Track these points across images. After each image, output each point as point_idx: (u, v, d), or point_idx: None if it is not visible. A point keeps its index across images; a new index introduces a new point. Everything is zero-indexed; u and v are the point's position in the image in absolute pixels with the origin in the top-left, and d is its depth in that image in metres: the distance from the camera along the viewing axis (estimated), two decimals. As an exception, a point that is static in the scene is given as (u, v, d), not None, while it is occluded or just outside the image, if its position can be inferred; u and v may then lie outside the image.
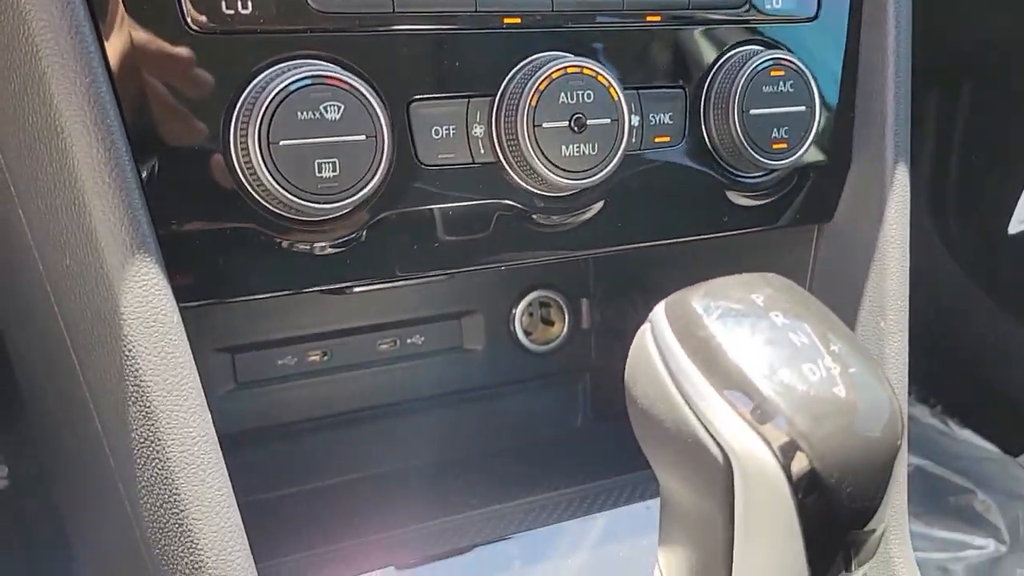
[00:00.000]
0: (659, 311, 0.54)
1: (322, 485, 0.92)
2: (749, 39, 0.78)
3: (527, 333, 1.08)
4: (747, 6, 0.77)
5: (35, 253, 0.62)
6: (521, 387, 1.07)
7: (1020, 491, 1.69)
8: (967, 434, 2.00)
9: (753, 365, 0.49)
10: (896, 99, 0.83)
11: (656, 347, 0.53)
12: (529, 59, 0.69)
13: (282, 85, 0.60)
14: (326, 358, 0.97)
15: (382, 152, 0.63)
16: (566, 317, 1.09)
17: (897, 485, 0.83)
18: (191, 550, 0.59)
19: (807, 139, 0.78)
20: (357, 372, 0.99)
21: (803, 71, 0.77)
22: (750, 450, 0.48)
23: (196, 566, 0.59)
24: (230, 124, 0.60)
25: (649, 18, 0.74)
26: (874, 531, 0.50)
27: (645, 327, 0.55)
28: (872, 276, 0.83)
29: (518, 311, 1.06)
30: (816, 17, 0.81)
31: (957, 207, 2.32)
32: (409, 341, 1.01)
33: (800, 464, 0.47)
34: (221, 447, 0.63)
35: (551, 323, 1.09)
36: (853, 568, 0.50)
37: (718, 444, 0.49)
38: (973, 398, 2.36)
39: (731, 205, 0.81)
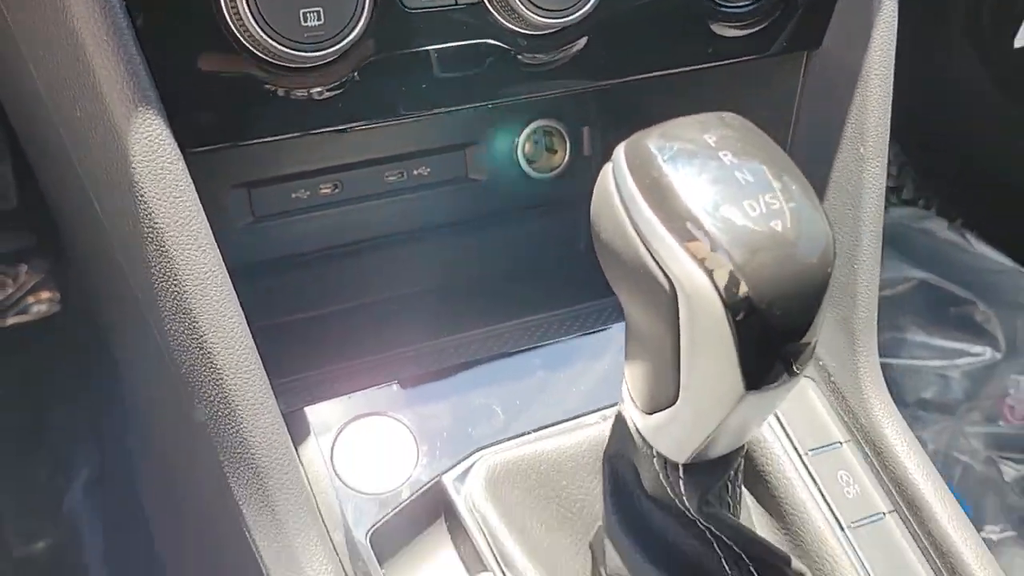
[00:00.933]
0: (619, 151, 0.59)
1: (335, 309, 1.00)
2: None
3: (530, 161, 1.12)
4: None
5: (46, 102, 0.67)
6: (525, 213, 1.12)
7: (1022, 302, 1.74)
8: (983, 247, 2.03)
9: (698, 202, 0.54)
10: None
11: (615, 185, 0.58)
12: None
13: (263, -64, 0.62)
14: (337, 190, 1.03)
15: (364, 1, 0.65)
16: (568, 145, 1.12)
17: (862, 301, 0.88)
18: (211, 369, 0.67)
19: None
20: (367, 203, 1.05)
21: None
22: (691, 279, 0.53)
23: (216, 383, 0.67)
24: (216, -26, 0.64)
25: None
26: (808, 343, 0.56)
27: (608, 166, 0.59)
28: (855, 104, 0.86)
29: (520, 140, 1.09)
30: None
31: (993, 20, 2.25)
32: (416, 172, 1.05)
33: (734, 291, 0.52)
34: (241, 276, 0.70)
35: (554, 151, 1.13)
36: (795, 370, 0.57)
37: (665, 274, 0.55)
38: (995, 211, 2.38)
39: (717, 36, 0.82)
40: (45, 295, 1.91)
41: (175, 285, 0.66)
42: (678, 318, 0.55)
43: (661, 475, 0.65)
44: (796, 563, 0.69)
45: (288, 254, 1.03)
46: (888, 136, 0.87)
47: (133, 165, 0.63)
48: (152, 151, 0.63)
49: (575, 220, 1.18)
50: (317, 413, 0.80)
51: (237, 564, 0.76)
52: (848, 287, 0.88)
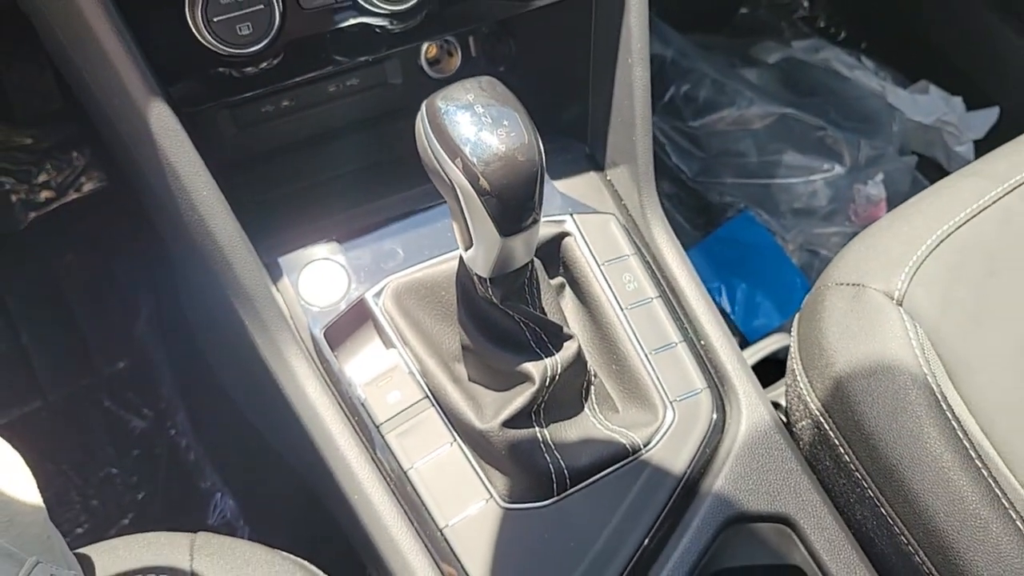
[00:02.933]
0: (423, 105, 1.01)
1: (297, 187, 1.44)
2: None
3: (432, 64, 1.53)
4: None
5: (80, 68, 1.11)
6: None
7: (870, 127, 2.13)
8: (860, 75, 2.38)
9: (461, 136, 0.97)
10: None
11: (422, 126, 1.01)
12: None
13: (208, -14, 1.04)
14: (293, 102, 1.46)
15: (276, 12, 1.08)
16: (459, 51, 1.53)
17: (641, 161, 1.31)
18: (212, 242, 1.13)
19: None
20: (315, 109, 1.48)
21: None
22: (460, 181, 0.97)
23: (218, 249, 1.13)
24: (185, 11, 1.06)
25: None
26: (532, 208, 1.00)
27: (420, 111, 1.02)
28: (623, 28, 1.26)
29: (422, 52, 1.51)
30: None
31: None
32: (348, 84, 1.47)
33: (482, 186, 0.96)
34: (232, 168, 1.12)
35: (451, 56, 1.54)
36: (528, 225, 1.01)
37: (449, 179, 0.99)
38: (889, 32, 2.67)
39: (521, -8, 1.22)
40: (94, 174, 2.37)
41: (176, 184, 1.11)
42: (460, 201, 1.00)
43: (479, 284, 1.12)
44: (567, 329, 1.17)
45: (263, 150, 1.48)
46: (648, 47, 1.27)
47: (150, 122, 1.08)
48: (158, 116, 1.08)
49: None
50: (287, 260, 1.27)
51: (251, 359, 1.25)
52: (630, 153, 1.32)
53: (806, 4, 2.87)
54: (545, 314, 1.17)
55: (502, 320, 1.13)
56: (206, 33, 1.05)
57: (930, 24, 2.63)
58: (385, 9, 1.13)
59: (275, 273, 1.24)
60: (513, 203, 0.97)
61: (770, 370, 1.85)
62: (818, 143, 2.11)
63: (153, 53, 1.08)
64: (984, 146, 2.47)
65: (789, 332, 1.91)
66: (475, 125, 0.95)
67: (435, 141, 0.97)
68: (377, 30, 1.17)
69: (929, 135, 2.37)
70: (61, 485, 1.99)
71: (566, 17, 1.30)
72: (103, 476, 2.04)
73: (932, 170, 2.42)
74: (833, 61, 2.48)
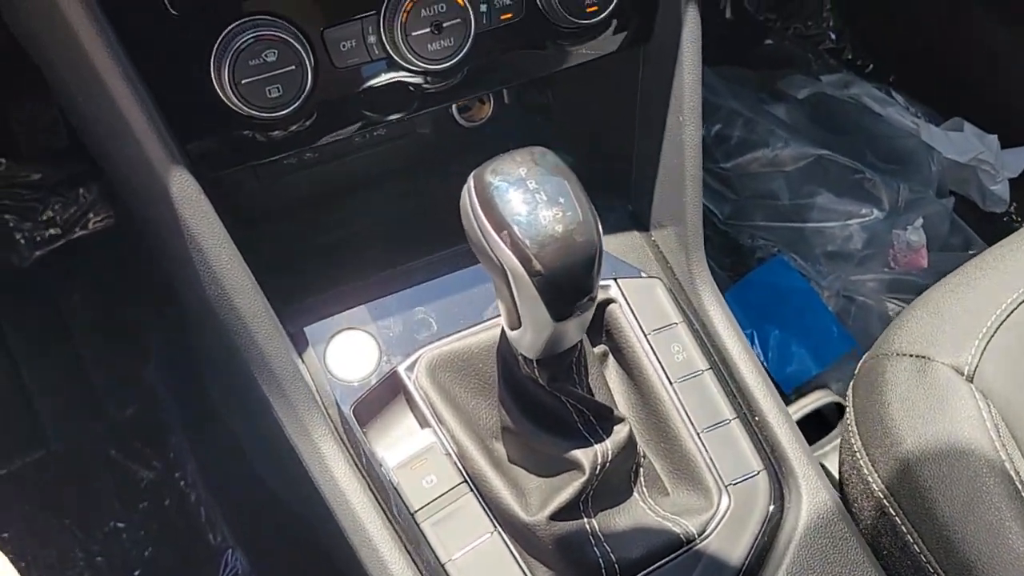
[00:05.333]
0: (471, 178, 0.93)
1: (321, 243, 1.36)
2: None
3: (462, 111, 1.45)
4: None
5: (113, 157, 1.03)
6: (461, 155, 1.47)
7: (907, 168, 2.06)
8: (893, 113, 2.30)
9: (513, 215, 0.89)
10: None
11: (468, 201, 0.93)
12: (400, -18, 1.02)
13: (236, 46, 0.96)
14: (317, 154, 1.38)
15: (308, 73, 0.99)
16: (491, 98, 1.45)
17: (690, 221, 1.23)
18: (231, 310, 1.04)
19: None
20: (341, 160, 1.40)
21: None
22: (511, 263, 0.89)
23: (238, 319, 1.05)
24: (210, 71, 0.98)
25: (489, -73, 1.04)
26: (589, 292, 0.92)
27: (465, 187, 0.94)
28: (675, 84, 1.18)
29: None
30: None
31: None
32: (375, 133, 1.40)
33: (534, 268, 0.88)
34: (252, 222, 1.03)
35: (483, 103, 1.46)
36: (582, 310, 0.93)
37: (498, 259, 0.90)
38: (921, 68, 2.61)
39: (568, 48, 1.14)
40: (101, 211, 2.30)
41: (202, 266, 1.03)
42: (509, 283, 0.92)
43: (524, 365, 1.03)
44: (617, 412, 1.09)
45: (285, 204, 1.39)
46: (700, 104, 1.19)
47: (172, 195, 0.99)
48: (180, 185, 0.99)
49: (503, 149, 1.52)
50: (313, 330, 1.19)
51: (271, 425, 1.17)
52: (678, 214, 1.23)
53: (832, 36, 2.81)
54: (592, 394, 1.08)
55: (549, 402, 1.05)
56: (233, 96, 0.97)
57: (960, 58, 2.56)
58: (423, 67, 1.05)
59: (300, 344, 1.16)
60: (569, 287, 0.89)
61: (809, 423, 1.77)
62: (855, 186, 2.03)
63: (173, 114, 1.00)
64: (1020, 184, 2.40)
65: (830, 387, 1.83)
66: (528, 203, 0.87)
67: (483, 217, 0.89)
68: (412, 87, 1.09)
69: (964, 173, 2.30)
70: (64, 542, 1.90)
71: (610, 68, 1.22)
72: (109, 530, 1.95)
73: (967, 209, 2.34)
74: (863, 96, 2.41)
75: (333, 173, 1.40)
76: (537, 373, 1.02)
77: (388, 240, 1.34)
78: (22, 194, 2.27)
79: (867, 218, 1.99)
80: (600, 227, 0.90)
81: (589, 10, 1.09)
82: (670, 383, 1.19)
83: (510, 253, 0.88)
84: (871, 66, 2.75)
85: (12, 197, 2.25)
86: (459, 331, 1.19)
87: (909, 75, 2.64)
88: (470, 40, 1.05)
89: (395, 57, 1.05)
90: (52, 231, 2.28)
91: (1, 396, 2.09)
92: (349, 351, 1.18)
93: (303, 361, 1.15)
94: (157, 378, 2.10)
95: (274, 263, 1.17)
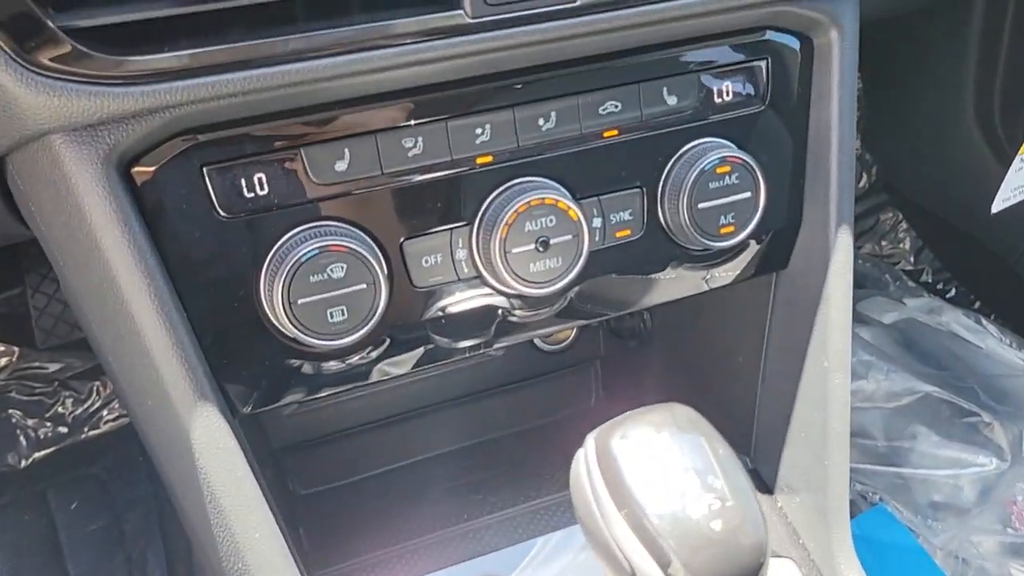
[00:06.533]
0: (590, 442, 0.71)
1: (363, 483, 1.12)
2: (700, 133, 0.89)
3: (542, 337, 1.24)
4: (698, 106, 0.88)
5: (122, 384, 0.81)
6: (537, 381, 1.25)
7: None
8: (994, 344, 2.09)
9: (652, 501, 0.65)
10: (840, 165, 0.93)
11: (587, 474, 0.70)
12: (501, 189, 0.83)
13: (296, 257, 0.75)
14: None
15: (380, 294, 0.79)
16: (576, 320, 1.25)
17: (833, 492, 0.99)
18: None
19: (752, 220, 0.90)
20: (400, 380, 1.18)
21: (748, 163, 0.88)
22: (644, 567, 0.65)
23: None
24: (259, 288, 0.77)
25: (607, 135, 0.86)
26: None
27: (580, 452, 0.71)
28: (818, 322, 0.96)
29: (532, 320, 1.22)
30: (766, 104, 0.91)
31: (1002, 113, 2.32)
32: (440, 355, 1.18)
33: None
34: (287, 453, 0.81)
35: (565, 324, 1.25)
36: None
37: (627, 559, 0.66)
38: (1009, 297, 2.43)
39: (692, 273, 0.94)
40: (116, 410, 2.09)
41: (223, 533, 0.79)
42: (637, 590, 0.67)
43: None
44: None
45: (321, 433, 1.16)
46: (849, 349, 0.98)
47: (195, 446, 0.77)
48: (209, 435, 0.77)
49: (584, 382, 1.30)
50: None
51: None
52: (817, 481, 0.99)
53: (911, 258, 2.66)
54: None
55: None
56: (286, 318, 0.76)
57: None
58: (522, 290, 0.84)
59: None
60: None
61: None
62: (967, 429, 1.78)
63: (207, 337, 0.78)
64: None
65: None
66: (673, 485, 0.64)
67: (606, 500, 0.66)
68: (502, 314, 0.88)
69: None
70: None
71: (731, 294, 1.02)
72: None
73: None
74: (953, 324, 2.20)
75: (379, 399, 1.18)
76: None
77: (443, 485, 1.11)
78: (32, 387, 2.09)
79: (985, 467, 1.73)
80: (766, 523, 0.66)
81: (723, 231, 0.89)
82: None
83: (644, 552, 0.64)
84: (953, 290, 2.58)
85: (21, 389, 2.07)
86: (539, 621, 0.92)
87: (994, 300, 2.46)
88: (581, 260, 0.84)
89: (488, 277, 0.84)
90: (60, 429, 2.08)
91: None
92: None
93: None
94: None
95: (302, 499, 0.92)
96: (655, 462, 0.67)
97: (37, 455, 2.00)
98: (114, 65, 0.65)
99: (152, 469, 1.85)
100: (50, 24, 0.63)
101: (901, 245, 2.70)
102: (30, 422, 2.01)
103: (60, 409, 2.04)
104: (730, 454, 0.69)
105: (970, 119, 2.37)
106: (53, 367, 2.08)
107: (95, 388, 2.07)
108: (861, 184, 2.65)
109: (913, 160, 2.58)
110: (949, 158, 2.45)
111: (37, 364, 2.07)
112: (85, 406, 2.06)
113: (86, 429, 2.04)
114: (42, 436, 2.04)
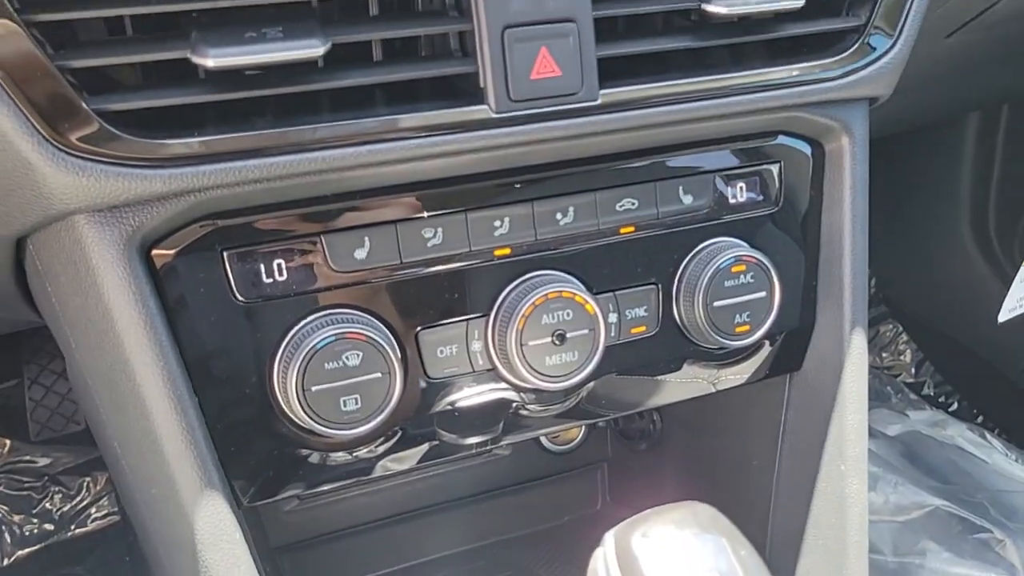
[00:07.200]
0: (610, 539, 0.69)
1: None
2: (715, 232, 0.90)
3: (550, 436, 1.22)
4: (713, 205, 0.89)
5: (127, 471, 0.79)
6: (544, 481, 1.22)
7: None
8: (1000, 459, 2.07)
9: None
10: (853, 269, 0.93)
11: (606, 573, 0.67)
12: (518, 281, 0.83)
13: (312, 344, 0.75)
14: (371, 473, 1.13)
15: (395, 384, 0.78)
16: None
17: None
18: None
19: (767, 320, 0.90)
20: (404, 477, 1.16)
21: (763, 262, 0.88)
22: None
23: None
24: (272, 374, 0.76)
25: (623, 231, 0.86)
26: None
27: (599, 551, 0.69)
28: (834, 424, 0.95)
29: (539, 420, 1.20)
30: (779, 206, 0.92)
31: (998, 229, 2.36)
32: (444, 452, 1.16)
33: None
34: (285, 552, 0.78)
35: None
36: None
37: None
38: (1016, 410, 2.42)
39: (705, 372, 0.93)
40: (105, 507, 2.04)
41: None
42: None
43: None
44: None
45: (325, 530, 1.13)
46: (866, 454, 0.96)
47: (197, 541, 0.74)
48: (214, 528, 0.75)
49: (591, 485, 1.27)
50: None
51: None
52: (837, 589, 0.96)
53: (913, 370, 2.66)
54: None
55: None
56: (299, 405, 0.75)
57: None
58: (537, 384, 0.83)
59: None
60: None
61: None
62: (980, 547, 1.74)
63: (218, 428, 0.77)
64: None
65: None
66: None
67: None
68: (514, 408, 0.87)
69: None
70: None
71: (741, 395, 1.01)
72: None
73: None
74: (957, 438, 2.19)
75: (384, 497, 1.15)
76: None
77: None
78: (21, 481, 2.05)
79: (998, 586, 1.68)
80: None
81: (739, 330, 0.89)
82: None
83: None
84: (955, 403, 2.57)
85: (10, 484, 2.03)
86: None
87: (997, 414, 2.45)
88: (597, 355, 0.84)
89: (503, 370, 0.84)
90: (46, 526, 2.03)
91: None
92: None
93: None
94: None
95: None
96: (678, 562, 0.65)
97: (21, 553, 1.94)
98: (145, 148, 0.66)
99: (138, 570, 1.80)
100: (84, 106, 0.64)
101: (902, 357, 2.70)
102: (16, 518, 1.96)
103: (48, 505, 2.00)
104: (752, 555, 0.67)
105: (966, 234, 2.41)
106: (44, 461, 2.04)
107: (85, 484, 2.02)
108: (861, 295, 2.66)
109: (911, 273, 2.61)
110: (946, 272, 2.48)
111: (28, 457, 2.04)
112: (73, 503, 2.01)
113: (73, 527, 1.99)
114: (27, 533, 1.99)
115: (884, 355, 2.71)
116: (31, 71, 0.63)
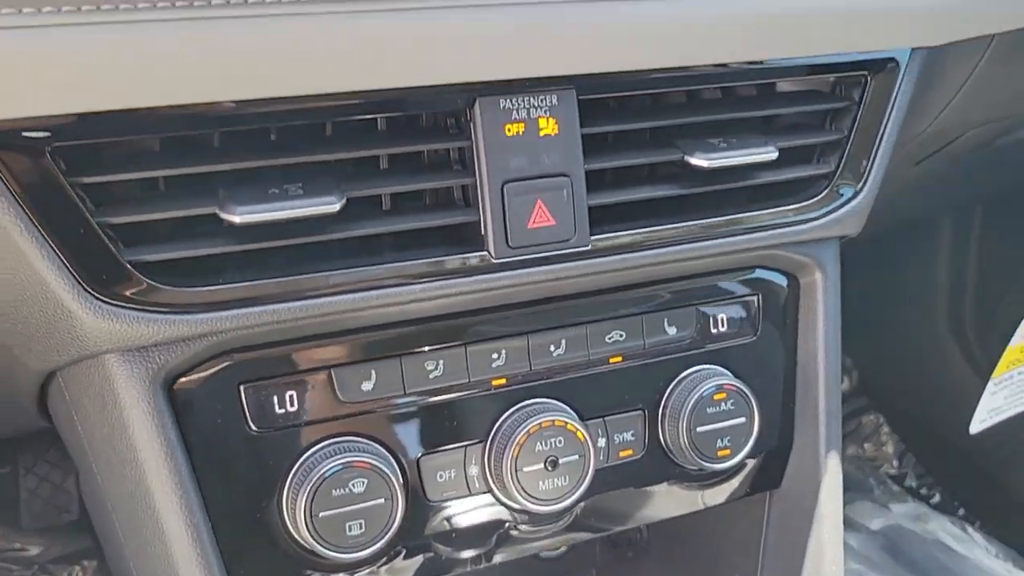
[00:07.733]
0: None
1: None
2: (698, 361, 0.96)
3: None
4: (695, 335, 0.95)
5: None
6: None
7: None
8: (980, 555, 2.11)
9: None
10: (827, 392, 1.00)
11: None
12: (512, 410, 0.89)
13: (320, 472, 0.80)
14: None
15: (397, 509, 0.83)
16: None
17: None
18: None
19: (747, 443, 0.96)
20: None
21: (743, 391, 0.94)
22: None
23: None
24: (282, 499, 0.81)
25: (612, 360, 0.93)
26: None
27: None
28: (812, 542, 1.00)
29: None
30: (758, 335, 0.98)
31: (976, 327, 2.42)
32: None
33: None
34: None
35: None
36: None
37: None
38: (997, 503, 2.46)
39: (689, 492, 0.99)
40: (95, 596, 2.03)
41: None
42: None
43: None
44: None
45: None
46: (842, 569, 1.01)
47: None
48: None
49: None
50: None
51: None
52: None
53: (895, 462, 2.70)
54: None
55: None
56: (306, 530, 0.80)
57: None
58: (530, 507, 0.88)
59: None
60: None
61: None
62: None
63: (229, 550, 0.81)
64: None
65: None
66: None
67: None
68: (507, 528, 0.92)
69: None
70: None
71: (723, 511, 1.05)
72: None
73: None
74: (940, 532, 2.23)
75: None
76: None
77: None
78: (10, 569, 2.04)
79: None
80: None
81: (720, 453, 0.95)
82: None
83: None
84: (937, 496, 2.60)
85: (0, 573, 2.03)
86: None
87: (978, 507, 2.48)
88: (588, 479, 0.89)
89: (498, 493, 0.89)
90: (30, 623, 2.01)
91: None
92: None
93: None
94: None
95: None
96: None
97: (-5, 655, 1.94)
98: (174, 295, 0.72)
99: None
100: (121, 259, 0.70)
101: (884, 448, 2.74)
102: (6, 608, 1.96)
103: (34, 596, 2.00)
104: None
105: (943, 329, 2.47)
106: (34, 550, 2.04)
107: (74, 573, 2.03)
108: (843, 387, 2.72)
109: (892, 366, 2.66)
110: (925, 366, 2.54)
111: (19, 545, 2.04)
112: (63, 592, 2.02)
113: (62, 617, 1.99)
114: (7, 634, 1.98)
115: (867, 446, 2.75)
116: (74, 227, 0.69)
